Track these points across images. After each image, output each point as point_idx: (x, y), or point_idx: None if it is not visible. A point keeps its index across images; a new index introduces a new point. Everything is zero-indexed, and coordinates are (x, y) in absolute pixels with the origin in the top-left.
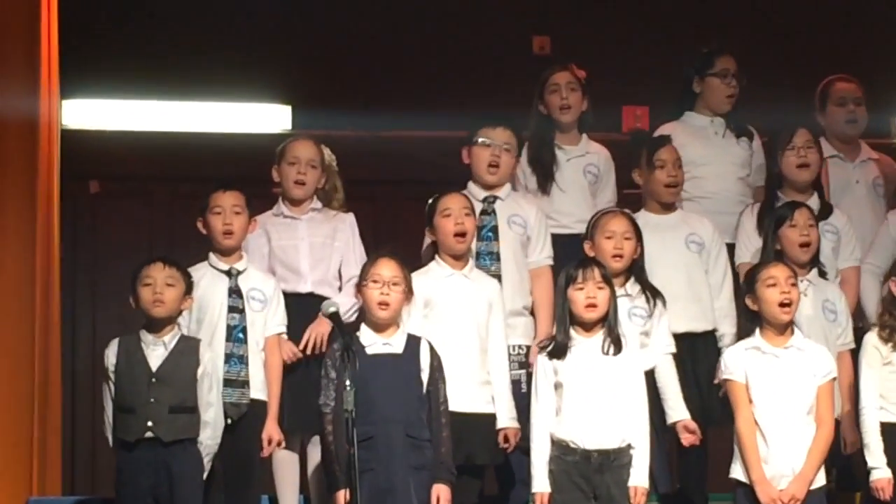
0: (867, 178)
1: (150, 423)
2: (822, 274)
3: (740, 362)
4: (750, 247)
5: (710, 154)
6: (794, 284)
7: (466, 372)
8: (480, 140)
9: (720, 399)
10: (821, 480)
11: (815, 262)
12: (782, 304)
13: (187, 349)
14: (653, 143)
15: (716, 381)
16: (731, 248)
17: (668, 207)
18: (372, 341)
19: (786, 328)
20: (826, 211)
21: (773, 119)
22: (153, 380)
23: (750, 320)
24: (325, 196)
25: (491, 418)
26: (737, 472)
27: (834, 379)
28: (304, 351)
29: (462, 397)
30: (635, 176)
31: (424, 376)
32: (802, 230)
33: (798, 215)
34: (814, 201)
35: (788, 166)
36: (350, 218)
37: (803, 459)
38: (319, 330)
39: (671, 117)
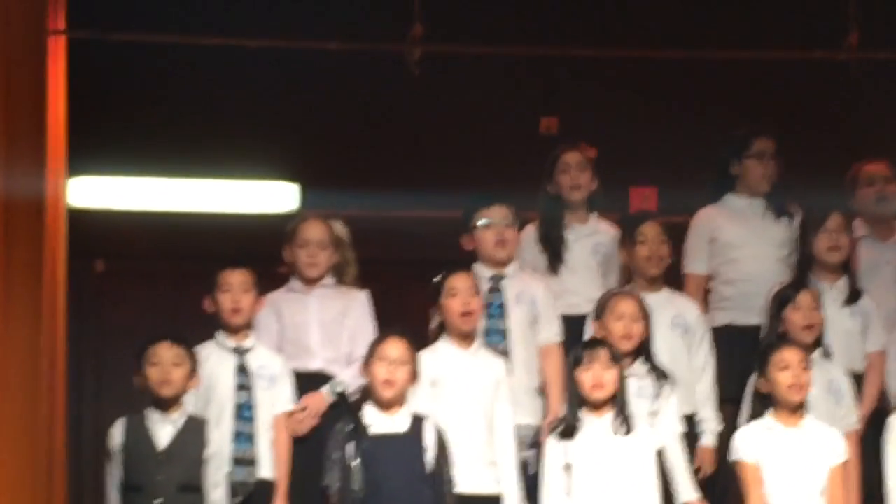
0: None
1: (158, 501)
2: (827, 355)
3: (752, 443)
4: None
5: (747, 235)
6: (806, 368)
7: (473, 452)
8: (481, 223)
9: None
10: None
11: (819, 342)
12: (792, 387)
13: (194, 428)
14: (633, 219)
15: (696, 465)
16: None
17: (654, 284)
18: (376, 420)
19: (797, 409)
20: (855, 295)
21: (809, 199)
22: (161, 458)
23: (761, 402)
24: (337, 270)
25: (497, 500)
26: None
27: (846, 461)
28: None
29: (468, 478)
30: (622, 255)
31: (430, 456)
32: (806, 312)
33: (801, 298)
34: (843, 284)
35: (819, 249)
36: (362, 296)
37: None
38: (313, 401)
39: (703, 199)
